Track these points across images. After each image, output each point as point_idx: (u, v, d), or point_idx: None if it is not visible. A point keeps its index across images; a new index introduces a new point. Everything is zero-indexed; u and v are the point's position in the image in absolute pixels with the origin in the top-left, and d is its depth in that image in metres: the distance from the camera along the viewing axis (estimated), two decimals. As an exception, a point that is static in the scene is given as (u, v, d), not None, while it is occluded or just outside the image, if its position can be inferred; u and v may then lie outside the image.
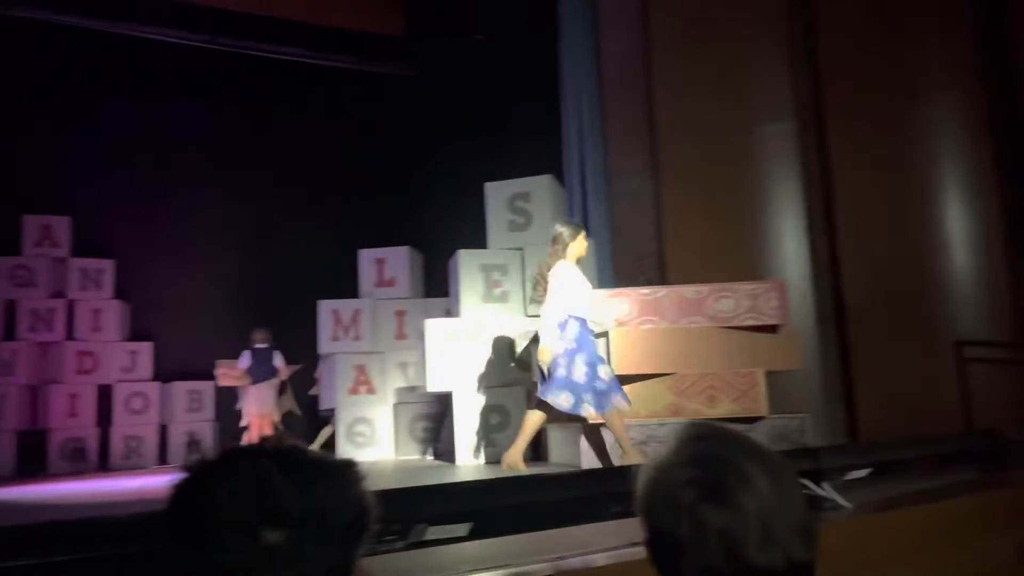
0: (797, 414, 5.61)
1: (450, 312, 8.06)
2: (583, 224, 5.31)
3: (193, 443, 10.46)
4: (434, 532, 2.47)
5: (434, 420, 8.52)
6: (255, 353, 9.20)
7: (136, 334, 10.92)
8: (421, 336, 7.62)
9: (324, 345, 9.20)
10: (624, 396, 5.03)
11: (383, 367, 9.10)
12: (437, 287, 9.18)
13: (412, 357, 8.79)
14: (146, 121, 10.64)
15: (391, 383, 9.07)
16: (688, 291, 5.67)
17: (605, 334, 5.46)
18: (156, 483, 6.64)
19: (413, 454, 8.74)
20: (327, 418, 9.24)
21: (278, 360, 9.27)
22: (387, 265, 9.46)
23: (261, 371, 9.19)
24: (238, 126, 10.97)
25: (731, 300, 5.62)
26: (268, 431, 9.06)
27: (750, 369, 5.53)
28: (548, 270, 5.13)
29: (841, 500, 3.20)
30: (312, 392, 9.81)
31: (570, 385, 4.91)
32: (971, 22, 6.53)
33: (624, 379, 5.24)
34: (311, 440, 9.21)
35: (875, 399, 6.25)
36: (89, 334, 10.52)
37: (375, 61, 11.63)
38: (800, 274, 6.55)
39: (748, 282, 5.75)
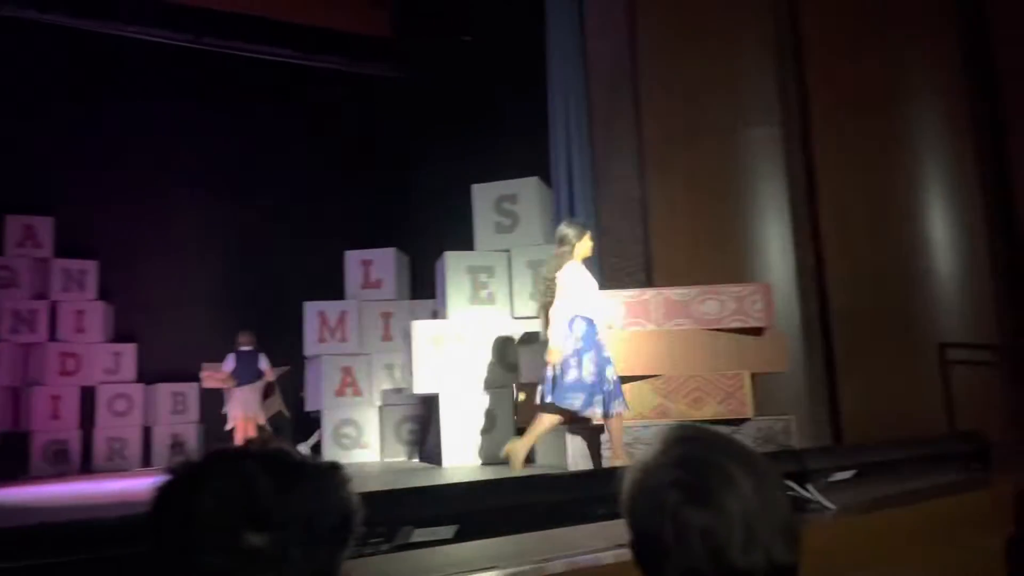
0: (782, 416, 5.64)
1: (437, 314, 8.05)
2: (587, 224, 5.33)
3: (177, 445, 10.40)
4: (420, 534, 2.46)
5: (420, 422, 8.51)
6: (240, 356, 9.15)
7: (120, 335, 10.86)
8: (407, 338, 7.61)
9: (310, 347, 9.17)
10: (624, 401, 5.04)
11: (369, 369, 9.08)
12: (424, 289, 9.18)
13: (398, 359, 8.78)
14: (130, 121, 10.58)
15: (377, 385, 9.05)
16: (674, 293, 5.69)
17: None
18: (139, 485, 6.60)
19: (399, 456, 8.72)
20: (319, 419, 9.21)
21: (263, 363, 9.23)
22: (373, 267, 9.45)
23: (246, 374, 9.14)
24: (223, 126, 10.92)
25: (717, 302, 5.64)
26: (252, 433, 9.02)
27: (736, 371, 5.56)
28: (554, 271, 5.14)
29: (825, 502, 3.22)
30: (303, 394, 9.78)
31: (580, 386, 4.92)
32: (954, 26, 6.58)
33: (611, 381, 5.24)
34: (300, 441, 9.18)
35: (859, 401, 6.28)
36: (72, 335, 10.45)
37: (362, 62, 11.60)
38: (785, 276, 6.58)
39: (734, 284, 5.77)
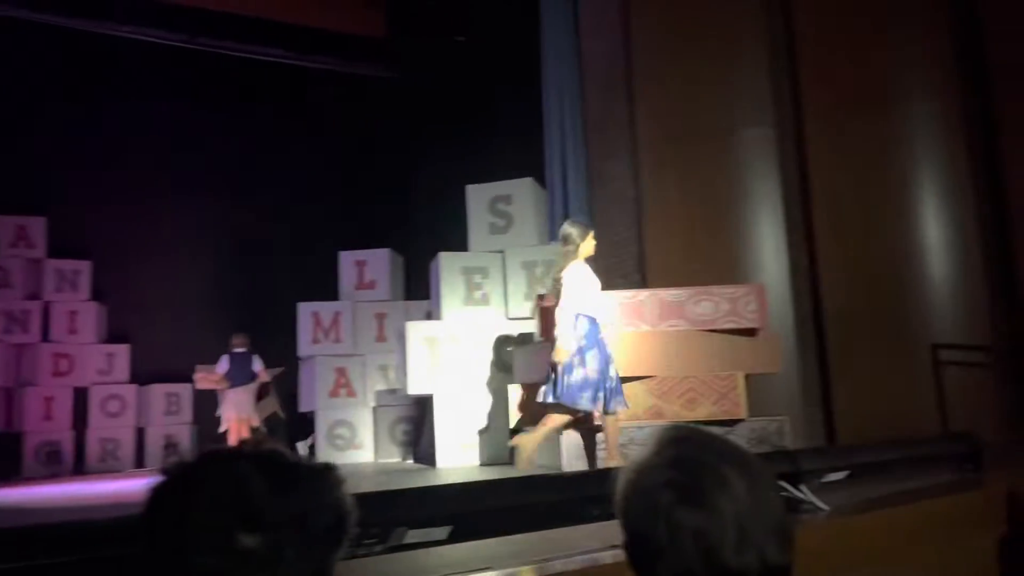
0: (776, 417, 5.65)
1: (431, 315, 8.05)
2: (591, 224, 5.35)
3: (170, 446, 10.37)
4: (414, 535, 2.46)
5: (414, 423, 8.50)
6: (233, 357, 9.12)
7: (113, 336, 10.82)
8: (402, 339, 7.61)
9: (304, 347, 9.16)
10: (624, 400, 5.07)
11: (363, 370, 9.08)
12: (418, 290, 9.17)
13: (392, 360, 8.77)
14: (124, 121, 10.56)
15: (371, 386, 9.04)
16: (668, 294, 5.70)
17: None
18: (132, 486, 6.57)
19: (393, 457, 8.72)
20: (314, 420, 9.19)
21: (257, 364, 9.19)
22: (368, 267, 9.45)
23: (239, 375, 9.11)
24: (217, 127, 10.89)
25: (711, 303, 5.65)
26: (246, 435, 9.01)
27: (730, 372, 5.57)
28: (560, 271, 5.16)
29: (819, 502, 3.22)
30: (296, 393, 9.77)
31: (587, 383, 4.96)
32: (948, 28, 6.60)
33: (605, 382, 5.24)
34: (296, 440, 9.17)
35: (852, 402, 6.30)
36: (65, 336, 10.41)
37: (356, 62, 11.58)
38: (779, 277, 6.59)
39: (728, 286, 5.78)
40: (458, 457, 6.96)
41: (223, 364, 9.11)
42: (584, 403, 4.96)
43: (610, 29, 7.51)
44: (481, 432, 7.01)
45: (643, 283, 6.78)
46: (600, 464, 5.15)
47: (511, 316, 7.52)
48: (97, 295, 10.70)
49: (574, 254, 5.17)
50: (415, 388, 7.32)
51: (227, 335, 9.24)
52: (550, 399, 5.04)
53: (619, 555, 1.14)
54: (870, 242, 6.38)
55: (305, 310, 9.17)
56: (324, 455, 8.36)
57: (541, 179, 8.32)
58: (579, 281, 5.09)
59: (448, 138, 10.05)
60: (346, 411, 8.94)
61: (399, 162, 11.12)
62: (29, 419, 9.92)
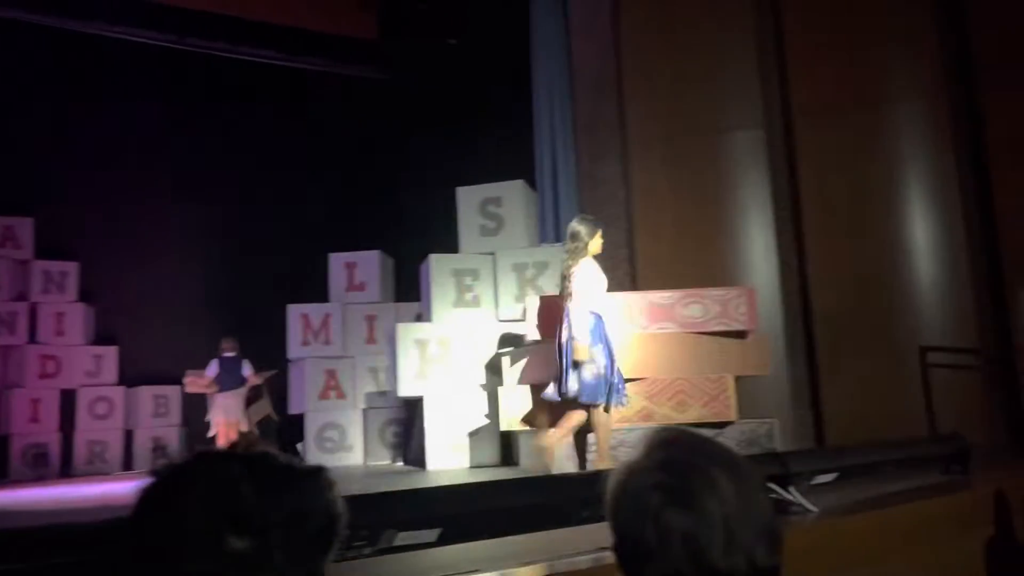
0: (765, 419, 5.67)
1: (421, 317, 8.04)
2: (599, 222, 5.36)
3: (158, 449, 10.32)
4: (404, 538, 2.46)
5: (404, 425, 8.49)
6: (223, 362, 9.08)
7: (100, 338, 10.76)
8: (392, 341, 7.60)
9: (293, 350, 9.13)
10: (625, 397, 5.09)
11: (353, 372, 9.06)
12: (408, 292, 9.16)
13: (382, 362, 8.76)
14: (111, 122, 10.50)
15: (361, 388, 9.02)
16: (658, 297, 5.71)
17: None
18: (120, 489, 6.55)
19: (383, 459, 8.70)
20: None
21: (247, 369, 9.14)
22: (358, 269, 9.43)
23: (229, 380, 9.07)
24: (206, 128, 10.85)
25: (701, 306, 5.66)
26: (234, 438, 8.97)
27: (719, 374, 5.58)
28: (569, 268, 5.17)
29: (808, 504, 3.24)
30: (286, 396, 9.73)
31: (599, 379, 4.97)
32: (936, 30, 6.65)
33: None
34: (288, 444, 9.13)
35: (841, 403, 6.33)
36: (52, 338, 10.35)
37: (347, 64, 11.57)
38: (768, 278, 6.61)
39: (718, 288, 5.80)
40: (448, 459, 6.95)
41: (212, 368, 9.07)
42: (601, 399, 5.00)
43: (600, 30, 7.52)
44: (471, 434, 7.01)
45: (633, 284, 6.80)
46: (590, 466, 5.16)
47: (502, 318, 7.51)
48: (84, 296, 10.65)
49: (583, 251, 5.18)
50: (405, 390, 7.31)
51: (216, 336, 9.19)
52: (569, 397, 5.04)
53: (608, 557, 1.14)
54: (859, 243, 6.42)
55: (294, 312, 9.14)
56: (313, 457, 8.33)
57: (532, 181, 8.32)
58: (590, 278, 5.11)
59: (438, 140, 10.05)
60: (336, 413, 8.92)
61: (389, 164, 11.11)
62: (16, 421, 9.86)
